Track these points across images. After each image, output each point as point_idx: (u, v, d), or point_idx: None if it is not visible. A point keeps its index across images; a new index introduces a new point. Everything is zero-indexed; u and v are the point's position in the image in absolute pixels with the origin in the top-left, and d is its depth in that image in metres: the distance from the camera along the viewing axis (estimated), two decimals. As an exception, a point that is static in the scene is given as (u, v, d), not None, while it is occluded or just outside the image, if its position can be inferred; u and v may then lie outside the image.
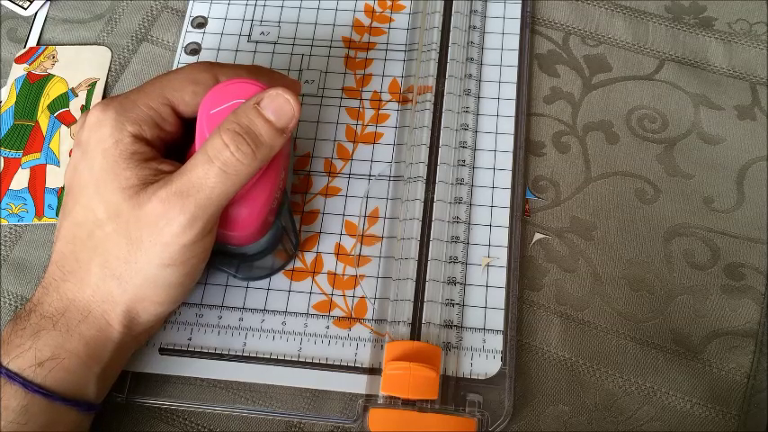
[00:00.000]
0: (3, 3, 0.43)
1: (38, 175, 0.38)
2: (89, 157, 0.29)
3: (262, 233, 0.32)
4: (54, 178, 0.38)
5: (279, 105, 0.28)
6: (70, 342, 0.28)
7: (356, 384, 0.33)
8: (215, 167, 0.27)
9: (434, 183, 0.36)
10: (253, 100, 0.29)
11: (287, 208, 0.33)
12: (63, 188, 0.38)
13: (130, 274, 0.28)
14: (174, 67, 0.40)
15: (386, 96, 0.39)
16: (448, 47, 0.39)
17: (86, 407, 0.29)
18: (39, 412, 0.27)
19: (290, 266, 0.35)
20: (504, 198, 0.36)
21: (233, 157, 0.28)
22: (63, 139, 0.39)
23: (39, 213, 0.37)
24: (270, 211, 0.31)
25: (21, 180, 0.38)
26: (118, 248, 0.28)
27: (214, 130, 0.28)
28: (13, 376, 0.27)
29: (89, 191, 0.28)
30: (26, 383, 0.27)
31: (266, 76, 0.33)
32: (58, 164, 0.38)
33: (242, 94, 0.29)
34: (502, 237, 0.35)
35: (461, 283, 0.34)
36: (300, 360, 0.33)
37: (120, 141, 0.28)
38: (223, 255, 0.33)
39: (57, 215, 0.37)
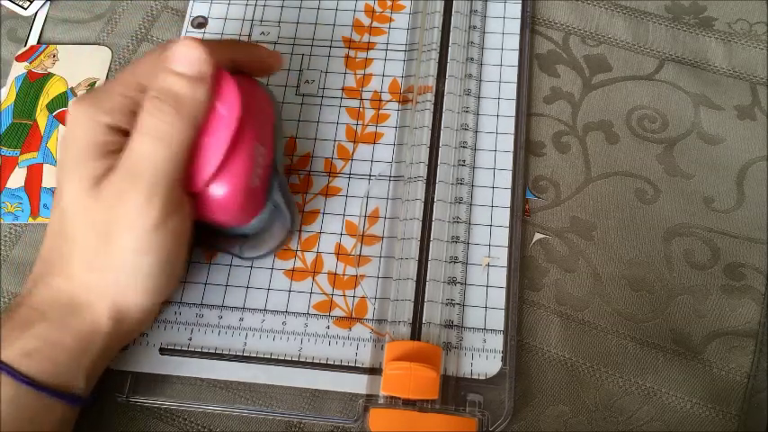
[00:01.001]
0: (3, 3, 0.43)
1: (34, 174, 0.38)
2: (65, 152, 0.28)
3: (252, 212, 0.32)
4: (50, 178, 0.38)
5: (184, 55, 0.28)
6: (59, 334, 0.28)
7: (356, 384, 0.33)
8: (150, 138, 0.27)
9: (435, 183, 0.36)
10: (162, 63, 0.28)
11: (278, 184, 0.32)
12: None
13: (107, 265, 0.28)
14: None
15: (386, 96, 0.39)
16: (448, 47, 0.39)
17: (74, 400, 0.29)
18: (27, 404, 0.27)
19: (290, 266, 0.35)
20: (504, 198, 0.36)
21: (159, 121, 0.27)
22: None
23: (34, 213, 0.37)
24: (254, 189, 0.31)
25: (17, 179, 0.38)
26: (90, 241, 0.28)
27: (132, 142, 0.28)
28: (1, 365, 0.27)
29: (61, 185, 0.29)
30: (13, 373, 0.27)
31: (242, 50, 0.32)
32: (54, 163, 0.38)
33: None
34: (502, 237, 0.35)
35: (462, 283, 0.34)
36: (301, 360, 0.33)
37: (91, 131, 0.28)
38: (224, 237, 0.33)
39: (52, 215, 0.37)
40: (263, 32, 0.41)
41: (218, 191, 0.29)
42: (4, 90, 0.40)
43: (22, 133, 0.39)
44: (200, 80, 0.28)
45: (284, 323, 0.34)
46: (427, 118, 0.37)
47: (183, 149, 0.28)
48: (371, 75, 0.39)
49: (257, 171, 0.30)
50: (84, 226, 0.28)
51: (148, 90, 0.28)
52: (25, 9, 0.43)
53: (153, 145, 0.27)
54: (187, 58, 0.28)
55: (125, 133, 0.28)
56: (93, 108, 0.28)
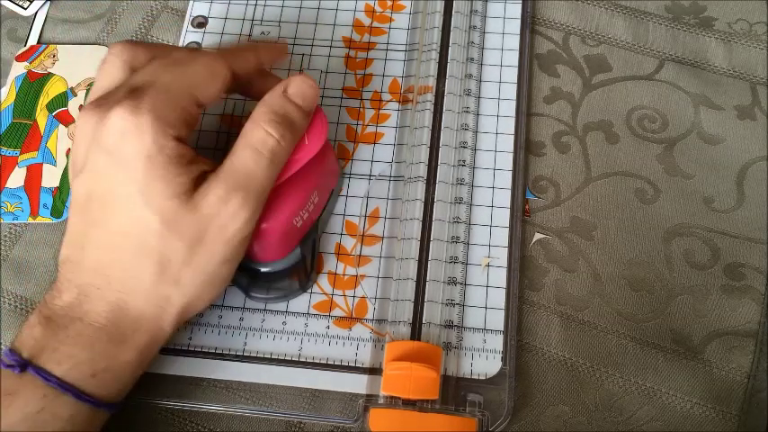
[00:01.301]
0: (3, 3, 0.43)
1: (34, 174, 0.38)
2: (126, 165, 0.27)
3: (280, 250, 0.33)
4: (50, 178, 0.38)
5: (303, 90, 0.30)
6: (125, 353, 0.28)
7: (356, 384, 0.33)
8: (264, 158, 0.29)
9: (435, 183, 0.36)
10: (279, 89, 0.30)
11: (313, 240, 0.34)
12: (59, 188, 0.38)
13: (190, 275, 0.28)
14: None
15: (386, 96, 0.39)
16: (448, 47, 0.39)
17: (119, 406, 0.29)
18: (84, 419, 0.27)
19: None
20: (504, 198, 0.36)
21: (278, 144, 0.29)
22: (60, 139, 0.39)
23: (33, 212, 0.37)
24: (293, 230, 0.32)
25: (17, 178, 0.38)
26: (178, 253, 0.28)
27: (249, 124, 0.29)
28: (69, 387, 0.27)
29: (134, 201, 0.27)
30: (80, 395, 0.27)
31: (271, 53, 0.34)
32: (54, 163, 0.38)
33: None
34: (502, 237, 0.35)
35: (462, 284, 0.34)
36: (301, 360, 0.33)
37: (166, 147, 0.27)
38: (240, 268, 0.33)
39: (51, 215, 0.37)
40: (263, 32, 0.41)
41: (264, 220, 0.31)
42: (4, 90, 0.40)
43: (22, 133, 0.39)
44: (310, 114, 0.31)
45: (284, 323, 0.34)
46: (427, 118, 0.37)
47: (279, 171, 0.30)
48: (371, 75, 0.39)
49: (303, 214, 0.32)
50: (175, 239, 0.28)
51: (262, 110, 0.30)
52: (25, 9, 0.43)
53: (268, 166, 0.29)
54: (306, 94, 0.31)
55: (184, 143, 0.29)
56: (160, 121, 0.27)
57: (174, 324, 0.29)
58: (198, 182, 0.28)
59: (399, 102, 0.39)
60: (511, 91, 0.39)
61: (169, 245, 0.28)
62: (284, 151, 0.29)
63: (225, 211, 0.28)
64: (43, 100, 0.40)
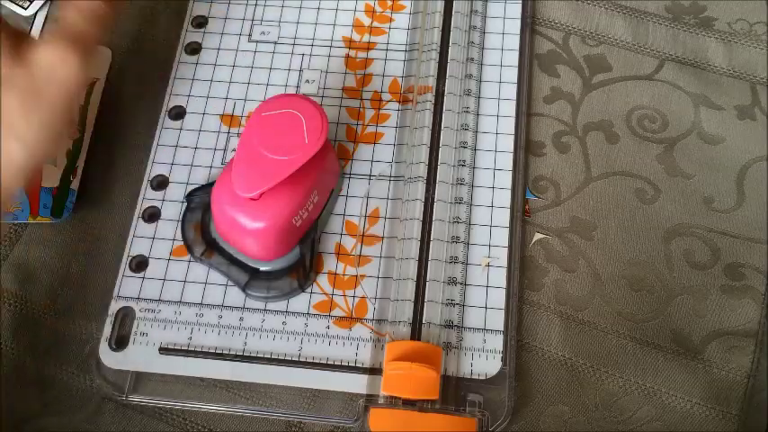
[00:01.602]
0: (3, 3, 0.43)
1: (34, 173, 0.38)
2: None
3: (280, 251, 0.33)
4: (50, 178, 0.38)
5: None
6: None
7: (356, 384, 0.33)
8: (83, 15, 0.31)
9: (435, 183, 0.36)
10: None
11: (312, 239, 0.34)
12: (59, 188, 0.38)
13: (31, 130, 0.29)
14: (175, 68, 0.40)
15: (386, 96, 0.39)
16: (448, 47, 0.39)
17: None
18: None
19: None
20: (504, 198, 0.36)
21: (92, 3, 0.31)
22: (62, 139, 0.39)
23: (33, 212, 0.37)
24: (292, 229, 0.33)
25: (19, 179, 0.38)
26: (13, 110, 0.29)
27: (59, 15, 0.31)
28: None
29: None
30: None
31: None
32: (54, 163, 0.38)
33: (295, 105, 0.32)
34: (502, 237, 0.35)
35: (462, 284, 0.34)
36: (301, 360, 0.33)
37: None
38: (235, 266, 0.34)
39: (51, 215, 0.37)
40: (263, 32, 0.41)
41: (267, 204, 0.31)
42: (4, 90, 0.40)
43: (22, 133, 0.39)
44: None
45: (284, 323, 0.34)
46: (427, 118, 0.37)
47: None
48: (372, 75, 0.39)
49: (302, 213, 0.33)
50: (7, 94, 0.29)
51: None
52: (25, 9, 0.43)
53: (85, 15, 0.30)
54: None
55: None
56: None
57: (19, 182, 0.30)
58: (23, 44, 0.29)
59: (399, 102, 0.39)
60: (511, 91, 0.39)
61: (5, 102, 0.29)
62: (99, 8, 0.31)
63: (54, 61, 0.29)
64: (43, 100, 0.40)
